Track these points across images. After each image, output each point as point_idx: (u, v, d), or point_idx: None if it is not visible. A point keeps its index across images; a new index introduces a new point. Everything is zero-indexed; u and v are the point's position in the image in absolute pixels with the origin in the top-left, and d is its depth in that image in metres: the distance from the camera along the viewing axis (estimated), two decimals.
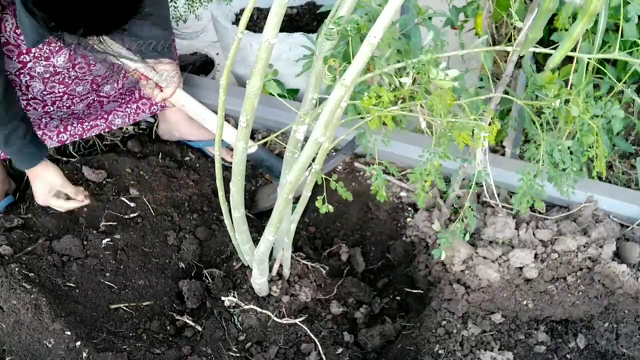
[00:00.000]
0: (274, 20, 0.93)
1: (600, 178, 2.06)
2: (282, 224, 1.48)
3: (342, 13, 1.07)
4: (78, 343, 1.46)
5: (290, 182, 1.17)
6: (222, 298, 1.65)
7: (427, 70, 0.94)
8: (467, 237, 1.42)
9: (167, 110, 1.98)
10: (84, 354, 1.44)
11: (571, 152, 1.36)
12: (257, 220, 1.96)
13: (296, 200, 1.42)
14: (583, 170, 1.73)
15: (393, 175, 1.91)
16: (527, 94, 1.59)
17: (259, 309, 1.61)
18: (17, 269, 1.53)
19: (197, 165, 2.04)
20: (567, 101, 1.16)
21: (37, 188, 1.68)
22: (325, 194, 1.25)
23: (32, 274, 1.54)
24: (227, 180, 1.29)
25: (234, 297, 1.63)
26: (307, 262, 1.76)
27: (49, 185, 1.68)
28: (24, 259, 1.58)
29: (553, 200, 1.80)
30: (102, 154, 1.97)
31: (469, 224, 1.38)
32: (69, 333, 1.46)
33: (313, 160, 1.18)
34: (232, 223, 1.46)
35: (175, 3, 1.93)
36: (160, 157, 1.99)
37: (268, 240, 1.41)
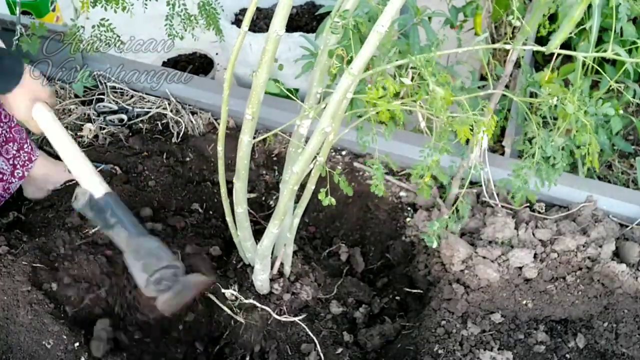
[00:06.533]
0: (282, 11, 0.93)
1: (599, 177, 2.06)
2: (285, 219, 1.48)
3: (347, 7, 1.07)
4: (77, 344, 1.46)
5: (296, 173, 1.17)
6: (223, 291, 1.64)
7: (427, 67, 0.94)
8: (458, 228, 1.41)
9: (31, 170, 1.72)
10: (83, 359, 1.44)
11: (563, 149, 1.37)
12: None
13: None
14: (570, 166, 1.74)
15: (393, 174, 1.91)
16: (522, 89, 1.60)
17: (260, 306, 1.61)
18: (16, 270, 1.52)
19: (198, 167, 2.04)
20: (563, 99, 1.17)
21: (19, 103, 1.42)
22: (328, 187, 1.25)
23: (31, 275, 1.54)
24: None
25: (234, 292, 1.63)
26: (307, 261, 1.76)
27: (33, 95, 1.44)
28: (22, 259, 1.58)
29: (553, 200, 1.80)
30: (105, 151, 1.97)
31: (462, 215, 1.39)
32: (68, 335, 1.46)
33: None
34: (234, 220, 1.46)
35: (171, 22, 1.94)
36: (165, 156, 1.99)
37: (272, 234, 1.40)
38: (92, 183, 1.44)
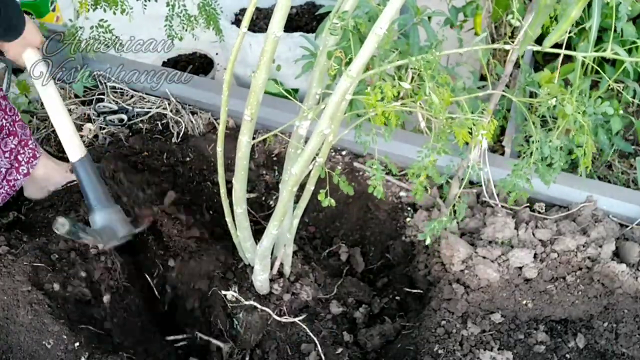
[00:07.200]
0: (280, 12, 0.93)
1: (599, 177, 2.06)
2: (285, 220, 1.48)
3: (346, 8, 1.07)
4: (77, 344, 1.46)
5: (295, 174, 1.17)
6: (223, 292, 1.64)
7: (426, 69, 0.94)
8: (454, 224, 1.41)
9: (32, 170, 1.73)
10: (83, 359, 1.44)
11: (561, 149, 1.38)
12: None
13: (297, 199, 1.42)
14: (570, 166, 1.74)
15: (393, 175, 1.91)
16: (520, 89, 1.60)
17: (260, 307, 1.61)
18: (16, 270, 1.52)
19: (198, 167, 2.04)
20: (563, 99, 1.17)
21: (14, 47, 1.53)
22: (327, 188, 1.25)
23: (31, 275, 1.54)
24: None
25: (234, 293, 1.63)
26: (307, 261, 1.76)
27: (28, 43, 1.55)
28: (23, 259, 1.58)
29: (553, 200, 1.80)
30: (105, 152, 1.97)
31: (459, 214, 1.39)
32: (68, 335, 1.46)
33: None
34: (234, 220, 1.46)
35: (171, 22, 1.94)
36: (165, 156, 1.99)
37: (272, 234, 1.40)
38: (70, 144, 1.55)
